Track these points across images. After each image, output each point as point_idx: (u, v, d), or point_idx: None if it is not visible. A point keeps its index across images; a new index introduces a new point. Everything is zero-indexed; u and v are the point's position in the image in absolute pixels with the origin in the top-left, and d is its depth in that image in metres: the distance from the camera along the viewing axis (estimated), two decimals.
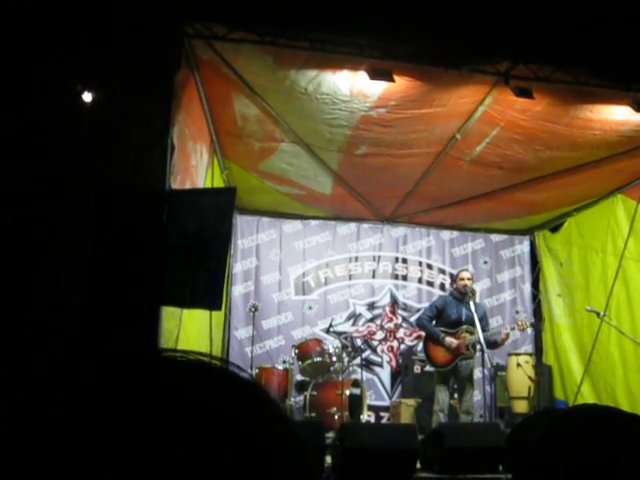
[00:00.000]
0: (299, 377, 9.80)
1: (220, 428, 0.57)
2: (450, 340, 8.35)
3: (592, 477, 1.08)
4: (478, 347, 8.23)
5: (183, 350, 0.64)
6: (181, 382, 0.59)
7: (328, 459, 6.70)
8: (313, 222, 11.52)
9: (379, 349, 11.41)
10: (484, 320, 8.47)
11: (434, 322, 8.68)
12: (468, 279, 8.69)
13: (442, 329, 8.50)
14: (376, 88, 7.05)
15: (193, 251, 5.92)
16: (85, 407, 0.56)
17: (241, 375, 0.64)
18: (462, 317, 8.48)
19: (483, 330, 8.10)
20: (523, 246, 12.45)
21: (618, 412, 1.21)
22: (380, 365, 11.34)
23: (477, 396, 9.08)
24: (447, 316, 8.56)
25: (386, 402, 11.05)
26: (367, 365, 10.97)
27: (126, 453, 0.53)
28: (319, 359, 9.34)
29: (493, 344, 8.51)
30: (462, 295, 8.56)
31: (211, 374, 0.62)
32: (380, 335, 11.46)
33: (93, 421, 0.55)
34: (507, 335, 8.54)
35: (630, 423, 1.17)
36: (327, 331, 10.49)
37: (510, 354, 10.47)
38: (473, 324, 8.19)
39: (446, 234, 12.07)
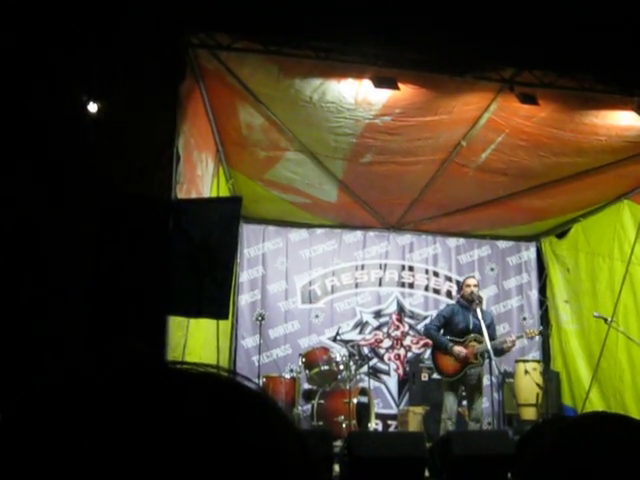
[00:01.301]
0: (306, 386, 9.80)
1: (228, 439, 0.57)
2: (459, 349, 8.32)
3: None
4: (486, 355, 8.21)
5: (191, 362, 0.64)
6: (189, 394, 0.59)
7: (336, 468, 6.69)
8: (319, 230, 11.52)
9: (386, 357, 11.39)
10: (491, 328, 8.45)
11: (442, 331, 8.65)
12: (474, 285, 8.67)
13: (450, 338, 8.48)
14: (381, 96, 7.05)
15: (199, 261, 5.93)
16: (93, 420, 0.56)
17: (249, 386, 0.63)
18: (470, 325, 8.45)
19: (491, 338, 8.09)
20: (530, 252, 12.43)
21: (627, 419, 1.20)
22: (387, 373, 11.32)
23: (485, 403, 9.05)
24: (455, 325, 8.53)
25: (394, 410, 11.02)
26: (374, 373, 10.95)
27: (135, 466, 0.53)
28: (326, 367, 9.33)
29: (500, 351, 8.47)
30: (469, 302, 8.53)
31: (219, 385, 0.62)
32: (387, 343, 11.45)
33: (102, 433, 0.55)
34: (513, 342, 8.52)
35: (639, 430, 1.16)
36: (334, 339, 10.49)
37: (518, 361, 10.44)
38: (481, 332, 8.17)
39: (452, 241, 12.06)
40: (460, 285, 9.06)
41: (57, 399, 0.58)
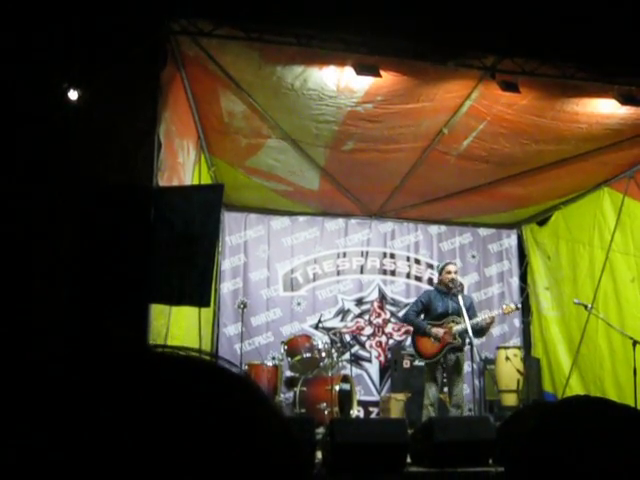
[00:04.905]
0: (288, 373, 9.81)
1: (213, 422, 0.57)
2: (436, 330, 8.38)
3: (584, 468, 1.08)
4: (467, 341, 8.24)
5: (174, 346, 0.64)
6: (174, 378, 0.59)
7: (319, 454, 6.71)
8: (301, 218, 11.51)
9: (368, 344, 11.42)
10: (471, 310, 8.48)
11: (422, 316, 8.69)
12: (455, 272, 8.70)
13: (428, 322, 8.52)
14: (363, 83, 7.05)
15: (181, 248, 5.92)
16: (77, 405, 0.56)
17: (232, 370, 0.63)
18: (449, 309, 8.50)
19: (470, 319, 8.12)
20: (511, 240, 12.48)
21: (609, 403, 1.21)
22: (369, 360, 11.36)
23: (466, 390, 9.10)
24: (433, 310, 8.57)
25: (375, 397, 11.06)
26: (356, 360, 10.99)
27: (119, 451, 0.53)
28: (308, 355, 9.34)
29: (480, 331, 8.52)
30: (448, 288, 8.57)
31: (203, 369, 0.62)
32: (369, 330, 11.48)
33: (86, 418, 0.54)
34: (492, 319, 8.54)
35: (620, 414, 1.17)
36: (316, 327, 10.50)
37: (499, 347, 10.51)
38: (460, 315, 8.22)
39: (434, 229, 12.08)
40: (439, 270, 9.05)
41: (44, 389, 0.58)
